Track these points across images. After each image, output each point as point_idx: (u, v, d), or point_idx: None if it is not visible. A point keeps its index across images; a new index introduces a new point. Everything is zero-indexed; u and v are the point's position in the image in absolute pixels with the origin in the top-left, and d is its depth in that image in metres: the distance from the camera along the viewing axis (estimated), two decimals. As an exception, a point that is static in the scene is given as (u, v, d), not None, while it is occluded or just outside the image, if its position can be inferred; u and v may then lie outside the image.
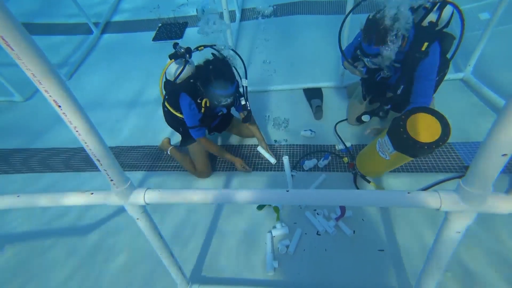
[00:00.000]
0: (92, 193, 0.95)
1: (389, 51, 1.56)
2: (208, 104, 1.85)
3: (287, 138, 2.39)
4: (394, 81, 1.82)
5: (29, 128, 3.00)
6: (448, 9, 1.58)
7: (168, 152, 2.31)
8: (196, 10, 3.85)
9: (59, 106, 0.66)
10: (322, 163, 2.11)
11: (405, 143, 1.33)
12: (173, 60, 1.83)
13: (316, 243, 1.65)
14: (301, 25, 3.58)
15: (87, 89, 3.40)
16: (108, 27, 4.25)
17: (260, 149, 2.20)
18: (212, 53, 1.80)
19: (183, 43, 3.71)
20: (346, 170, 2.06)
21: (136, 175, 2.34)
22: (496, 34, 2.21)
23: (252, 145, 2.39)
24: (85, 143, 0.76)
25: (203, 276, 1.59)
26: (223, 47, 1.83)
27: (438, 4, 1.57)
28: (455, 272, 1.43)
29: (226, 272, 1.59)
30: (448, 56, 1.78)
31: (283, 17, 3.76)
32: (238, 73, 1.87)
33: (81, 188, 2.30)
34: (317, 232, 1.71)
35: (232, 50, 1.93)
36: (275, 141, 2.39)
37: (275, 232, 1.72)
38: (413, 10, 1.56)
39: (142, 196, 0.98)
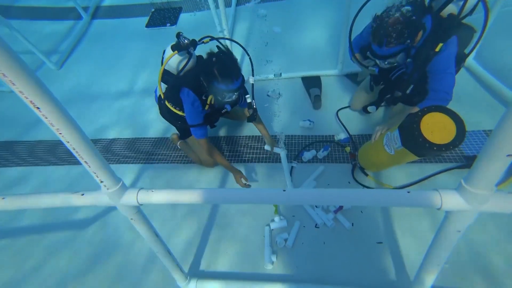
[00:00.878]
0: (82, 194, 0.92)
1: (402, 52, 1.48)
2: (213, 102, 1.74)
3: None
4: (407, 77, 1.73)
5: (18, 120, 2.94)
6: None
7: (178, 145, 2.29)
8: None
9: (38, 108, 0.61)
10: (322, 154, 2.08)
11: (415, 141, 1.26)
12: (176, 52, 1.68)
13: (314, 236, 1.65)
14: (300, 9, 3.45)
15: (79, 78, 3.32)
16: (98, 12, 4.10)
17: (267, 147, 2.14)
18: (217, 45, 1.69)
19: (177, 29, 3.60)
20: (346, 161, 2.03)
21: (133, 168, 2.32)
22: (501, 16, 2.12)
23: (244, 136, 2.35)
24: (70, 145, 0.72)
25: (201, 270, 1.59)
26: (227, 42, 1.73)
27: None
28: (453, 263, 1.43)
29: (225, 266, 1.59)
30: (467, 51, 1.66)
31: (280, 1, 3.62)
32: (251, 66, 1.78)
33: (76, 183, 2.28)
34: (316, 225, 1.70)
35: (239, 44, 1.85)
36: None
37: (274, 226, 1.72)
38: None
39: (135, 197, 0.95)
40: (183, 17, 3.73)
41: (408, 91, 1.77)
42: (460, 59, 1.62)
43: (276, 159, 2.14)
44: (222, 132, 2.44)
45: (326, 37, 3.06)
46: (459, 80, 1.74)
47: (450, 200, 0.79)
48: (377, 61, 1.64)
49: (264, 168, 2.10)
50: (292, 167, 2.05)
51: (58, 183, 2.30)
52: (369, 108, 1.96)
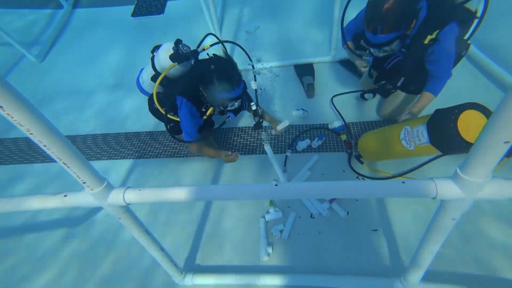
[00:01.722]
0: (65, 195, 0.88)
1: (398, 39, 1.42)
2: (213, 113, 1.66)
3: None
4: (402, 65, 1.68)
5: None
6: None
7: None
8: None
9: (1, 107, 0.56)
10: (316, 143, 2.05)
11: (449, 140, 1.20)
12: (175, 64, 1.58)
13: (310, 226, 1.64)
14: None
15: (64, 71, 3.20)
16: (80, 0, 3.92)
17: (268, 149, 1.99)
18: (214, 54, 1.63)
19: (164, 18, 3.47)
20: (340, 149, 2.01)
21: (123, 163, 2.27)
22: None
23: (237, 128, 2.31)
24: (45, 146, 0.68)
25: (196, 265, 1.58)
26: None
27: None
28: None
29: (220, 259, 1.58)
30: (466, 37, 1.58)
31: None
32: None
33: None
34: (311, 215, 1.69)
35: (240, 47, 1.77)
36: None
37: (269, 217, 1.70)
38: None
39: (122, 197, 0.91)
40: (170, 4, 3.59)
41: (399, 84, 1.73)
42: (460, 48, 1.55)
43: (274, 150, 2.10)
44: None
45: (319, 22, 2.98)
46: (462, 69, 1.70)
47: (446, 189, 0.77)
48: (372, 50, 1.58)
49: (258, 160, 2.07)
50: (286, 156, 2.02)
51: (53, 180, 2.25)
52: (366, 96, 1.92)
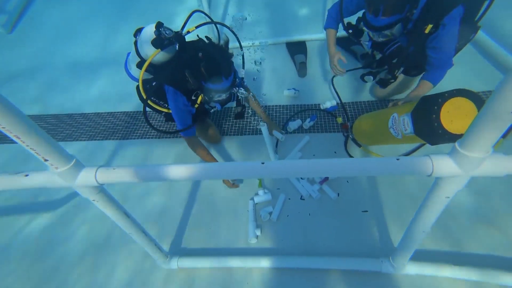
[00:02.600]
0: (26, 175, 0.79)
1: (400, 22, 1.33)
2: (202, 100, 1.56)
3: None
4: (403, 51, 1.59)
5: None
6: None
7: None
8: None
9: None
10: (308, 124, 1.98)
11: (432, 131, 1.14)
12: (159, 50, 1.44)
13: (300, 208, 1.60)
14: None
15: (38, 44, 2.98)
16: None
17: (264, 129, 1.98)
18: (206, 36, 1.50)
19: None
20: (332, 130, 1.95)
21: (107, 144, 2.17)
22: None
23: (230, 108, 2.22)
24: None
25: (183, 248, 1.54)
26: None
27: None
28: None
29: (207, 242, 1.54)
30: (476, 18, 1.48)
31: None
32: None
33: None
34: (301, 196, 1.65)
35: (229, 28, 1.63)
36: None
37: (258, 199, 1.66)
38: None
39: (93, 176, 0.83)
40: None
41: (397, 74, 1.66)
42: (467, 32, 1.46)
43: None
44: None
45: (312, -2, 2.84)
46: (465, 56, 1.59)
47: (442, 166, 0.72)
48: (371, 34, 1.49)
49: (250, 141, 2.00)
50: (277, 139, 1.95)
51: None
52: (366, 78, 1.83)
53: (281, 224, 1.56)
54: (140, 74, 1.51)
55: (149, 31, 1.49)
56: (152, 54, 1.45)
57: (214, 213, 1.66)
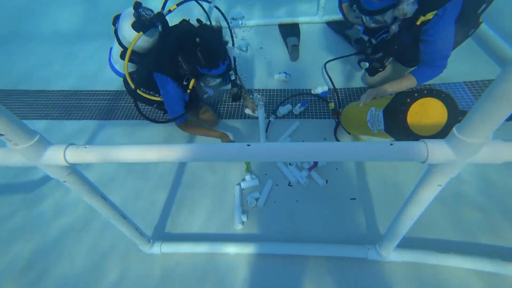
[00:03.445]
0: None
1: (392, 8, 1.26)
2: (195, 85, 1.46)
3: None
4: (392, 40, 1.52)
5: None
6: None
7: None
8: None
9: None
10: (298, 109, 1.93)
11: (399, 131, 1.13)
12: (141, 33, 1.32)
13: (287, 194, 1.57)
14: None
15: (6, 10, 2.75)
16: None
17: (247, 111, 1.91)
18: (197, 19, 1.40)
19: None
20: (323, 116, 1.91)
21: (87, 124, 2.06)
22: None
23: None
24: None
25: (166, 232, 1.49)
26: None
27: None
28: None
29: (192, 227, 1.50)
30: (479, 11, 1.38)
31: None
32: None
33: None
34: (289, 183, 1.62)
35: (215, 7, 1.51)
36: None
37: (245, 185, 1.61)
38: None
39: (62, 155, 0.75)
40: None
41: (386, 63, 1.61)
42: (468, 25, 1.39)
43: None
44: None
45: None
46: (465, 51, 1.50)
47: (437, 152, 0.68)
48: (364, 18, 1.42)
49: (241, 125, 1.93)
50: (269, 121, 1.89)
51: None
52: (362, 64, 1.77)
53: (268, 210, 1.53)
54: (124, 64, 1.39)
55: (128, 15, 1.35)
56: (134, 39, 1.33)
57: (199, 197, 1.61)
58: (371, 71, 1.73)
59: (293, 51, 2.28)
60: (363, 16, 1.41)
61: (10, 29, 2.77)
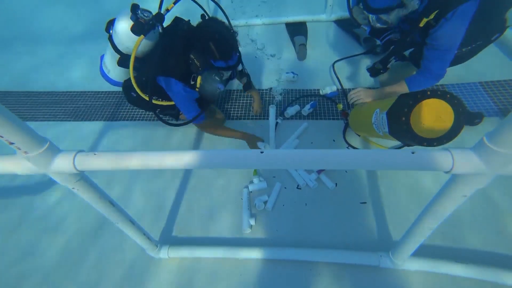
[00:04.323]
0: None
1: (399, 8, 1.21)
2: (204, 82, 1.44)
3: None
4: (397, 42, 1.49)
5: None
6: None
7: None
8: None
9: None
10: (307, 110, 1.89)
11: (403, 134, 1.09)
12: (142, 37, 1.27)
13: (296, 197, 1.54)
14: None
15: (13, 8, 2.73)
16: None
17: (272, 110, 1.85)
18: (202, 14, 1.39)
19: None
20: (331, 117, 1.87)
21: (93, 126, 2.04)
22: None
23: (232, 91, 2.10)
24: None
25: (173, 236, 1.47)
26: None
27: None
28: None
29: (199, 231, 1.47)
30: (510, 15, 1.30)
31: None
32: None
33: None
34: (298, 186, 1.59)
35: (217, 4, 1.50)
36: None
37: (252, 187, 1.58)
38: None
39: (71, 162, 0.73)
40: None
41: (389, 66, 1.57)
42: (492, 28, 1.30)
43: (262, 116, 1.93)
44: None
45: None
46: (487, 56, 1.45)
47: (464, 162, 0.65)
48: (370, 17, 1.38)
49: (250, 125, 1.90)
50: (276, 123, 1.86)
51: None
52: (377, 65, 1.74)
53: (276, 214, 1.50)
54: (130, 71, 1.36)
55: (125, 19, 1.30)
56: (136, 42, 1.28)
57: (207, 200, 1.58)
58: (372, 72, 1.68)
59: (301, 50, 2.24)
60: (369, 16, 1.37)
61: (16, 29, 2.75)
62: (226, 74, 1.47)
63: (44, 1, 2.81)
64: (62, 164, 0.73)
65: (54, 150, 0.73)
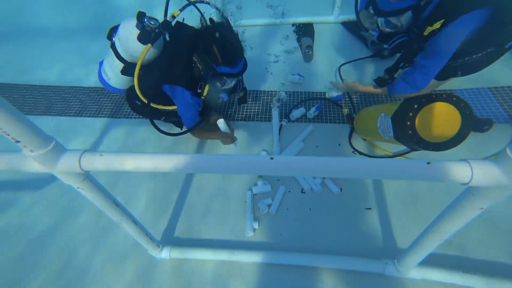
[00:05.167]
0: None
1: (411, 10, 1.20)
2: (208, 91, 1.42)
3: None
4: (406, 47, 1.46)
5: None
6: None
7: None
8: None
9: None
10: (312, 113, 1.87)
11: (409, 139, 1.07)
12: (149, 45, 1.24)
13: (300, 201, 1.52)
14: None
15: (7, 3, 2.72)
16: None
17: (275, 113, 1.84)
18: (210, 18, 1.33)
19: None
20: (337, 121, 1.85)
21: (96, 122, 2.01)
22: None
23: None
24: None
25: (175, 237, 1.44)
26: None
27: None
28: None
29: (202, 233, 1.45)
30: None
31: None
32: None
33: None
34: (302, 190, 1.57)
35: (217, 9, 1.46)
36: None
37: (256, 190, 1.56)
38: None
39: (77, 162, 0.71)
40: None
41: (395, 75, 1.54)
42: (506, 37, 1.26)
43: (266, 118, 1.90)
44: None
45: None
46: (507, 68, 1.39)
47: (484, 174, 0.63)
48: (379, 22, 1.36)
49: (251, 127, 1.88)
50: (281, 125, 1.84)
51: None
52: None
53: (280, 217, 1.48)
54: (135, 80, 1.33)
55: (129, 26, 1.26)
56: (143, 51, 1.24)
57: (210, 201, 1.56)
58: (379, 82, 1.64)
59: (307, 52, 2.22)
60: (378, 20, 1.35)
61: (21, 24, 2.72)
62: (230, 83, 1.43)
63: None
64: (68, 164, 0.71)
65: (60, 149, 0.70)
